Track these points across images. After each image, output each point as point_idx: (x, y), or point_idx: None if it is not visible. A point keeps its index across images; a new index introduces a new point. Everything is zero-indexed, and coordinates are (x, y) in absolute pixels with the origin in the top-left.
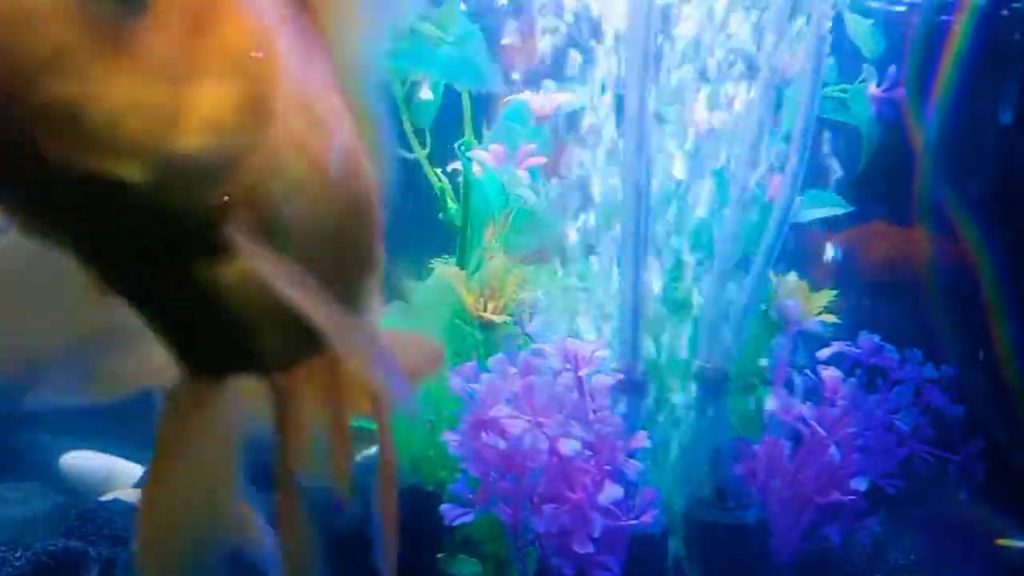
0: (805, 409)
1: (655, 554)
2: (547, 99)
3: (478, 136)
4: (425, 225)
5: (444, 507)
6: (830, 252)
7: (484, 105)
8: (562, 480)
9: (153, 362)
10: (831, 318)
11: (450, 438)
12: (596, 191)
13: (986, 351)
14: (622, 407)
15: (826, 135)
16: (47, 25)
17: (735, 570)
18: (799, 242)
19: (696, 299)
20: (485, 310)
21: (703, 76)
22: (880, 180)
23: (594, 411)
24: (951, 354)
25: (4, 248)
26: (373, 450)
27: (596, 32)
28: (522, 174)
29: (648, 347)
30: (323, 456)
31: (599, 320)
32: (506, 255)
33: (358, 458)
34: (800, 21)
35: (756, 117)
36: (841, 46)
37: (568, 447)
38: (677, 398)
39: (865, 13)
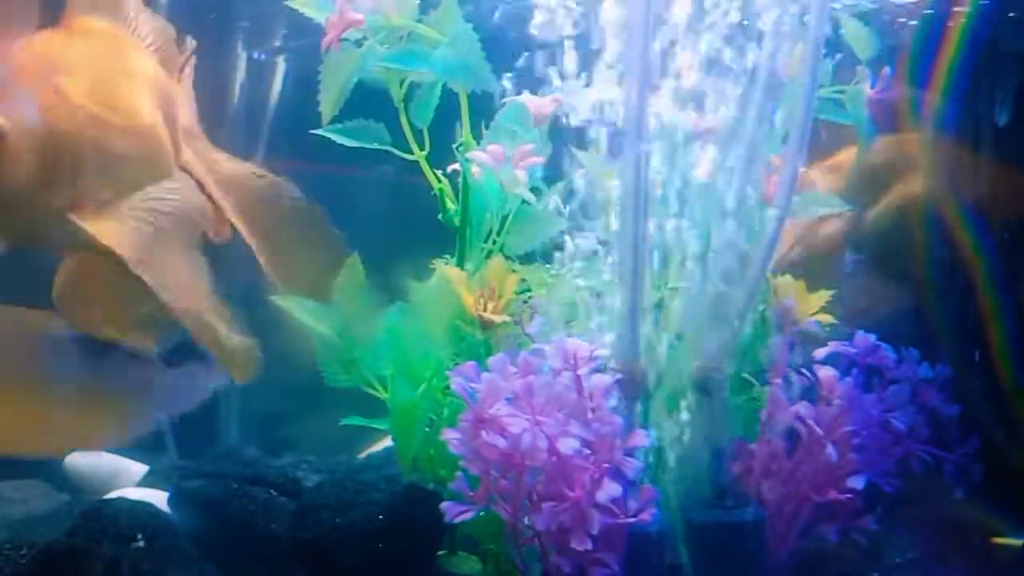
0: (802, 408)
1: (654, 552)
2: (545, 100)
3: (476, 137)
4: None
5: (444, 505)
6: None
7: (483, 105)
8: (561, 478)
9: None
10: (828, 318)
11: (450, 436)
12: (595, 191)
13: (982, 351)
14: (621, 406)
15: None
16: None
17: (733, 568)
18: None
19: (695, 299)
20: (485, 310)
21: (701, 76)
22: None
23: (593, 410)
24: (947, 354)
25: None
26: (375, 449)
27: (594, 32)
28: (520, 174)
29: (647, 347)
30: None
31: (598, 320)
32: (505, 255)
33: (359, 457)
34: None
35: (753, 117)
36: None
37: (567, 446)
38: (676, 397)
39: (861, 15)
